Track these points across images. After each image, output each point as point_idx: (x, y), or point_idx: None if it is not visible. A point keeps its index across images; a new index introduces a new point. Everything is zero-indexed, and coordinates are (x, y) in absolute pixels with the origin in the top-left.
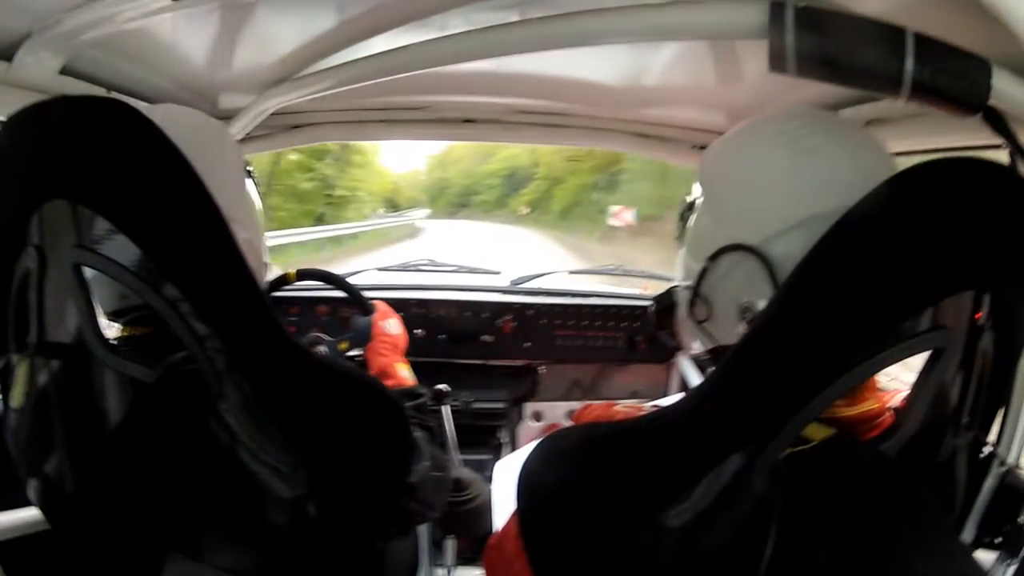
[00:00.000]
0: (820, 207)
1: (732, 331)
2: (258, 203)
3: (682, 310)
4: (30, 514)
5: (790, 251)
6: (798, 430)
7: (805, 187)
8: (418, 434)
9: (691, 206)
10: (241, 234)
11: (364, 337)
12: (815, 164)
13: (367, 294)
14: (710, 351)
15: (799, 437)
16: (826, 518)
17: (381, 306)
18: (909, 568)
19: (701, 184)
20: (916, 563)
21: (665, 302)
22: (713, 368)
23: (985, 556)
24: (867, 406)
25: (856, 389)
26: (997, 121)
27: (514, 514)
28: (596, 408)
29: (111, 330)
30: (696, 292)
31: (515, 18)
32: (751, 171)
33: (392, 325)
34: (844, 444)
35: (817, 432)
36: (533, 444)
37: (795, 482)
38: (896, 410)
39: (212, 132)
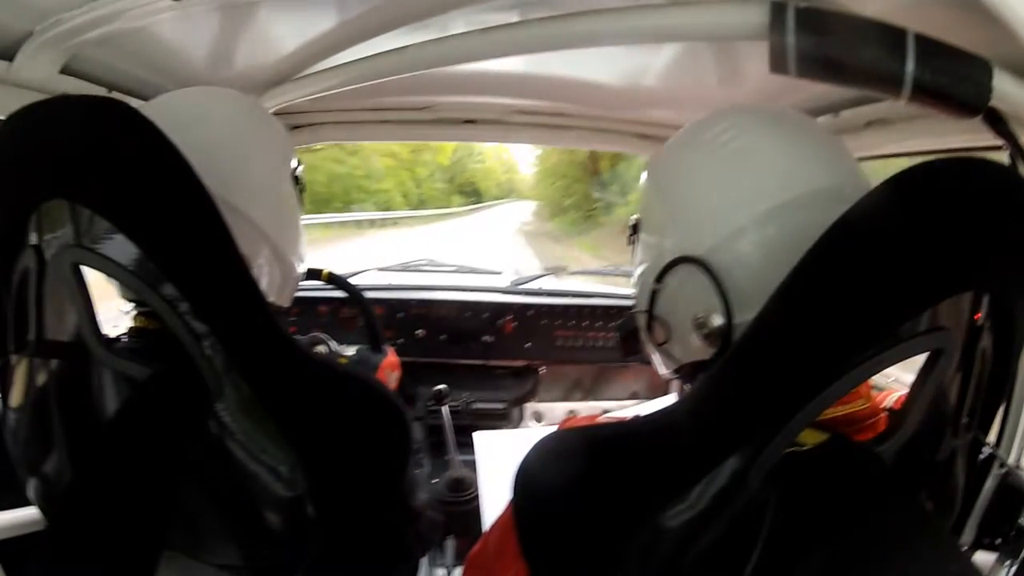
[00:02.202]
0: (758, 207)
1: (692, 348)
2: (296, 200)
3: (643, 335)
4: (30, 514)
5: (737, 256)
6: (796, 432)
7: (738, 192)
8: (417, 471)
9: (635, 229)
10: (265, 229)
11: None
12: (743, 167)
13: (368, 295)
14: (676, 370)
15: (793, 442)
16: (820, 520)
17: (392, 356)
18: (905, 571)
19: (643, 205)
20: (913, 565)
21: (627, 328)
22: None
23: (985, 557)
24: (856, 406)
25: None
26: (998, 122)
27: (505, 519)
28: (579, 420)
29: (126, 319)
30: (651, 315)
31: (515, 19)
32: (684, 186)
33: (393, 378)
34: (840, 446)
35: (810, 437)
36: (520, 430)
37: (790, 484)
38: (892, 411)
39: (254, 121)
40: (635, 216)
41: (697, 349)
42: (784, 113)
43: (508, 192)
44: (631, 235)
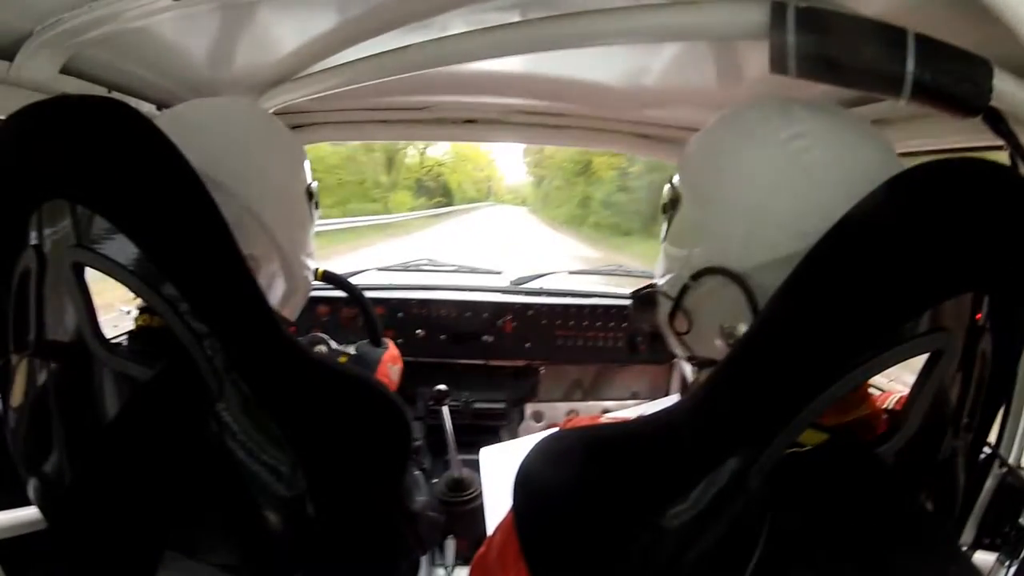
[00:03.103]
0: (812, 234)
1: (712, 348)
2: (308, 214)
3: (662, 316)
4: (30, 514)
5: (778, 281)
6: (797, 433)
7: (803, 212)
8: (416, 473)
9: (673, 203)
10: (278, 239)
11: (367, 371)
12: (818, 187)
13: (368, 295)
14: (689, 359)
15: (794, 442)
16: (821, 521)
17: (393, 349)
18: (905, 571)
19: (682, 182)
20: (913, 566)
21: (646, 296)
22: (708, 370)
23: (985, 557)
24: (858, 413)
25: (847, 397)
26: (998, 122)
27: (507, 522)
28: (581, 420)
29: (126, 319)
30: (677, 305)
31: (515, 18)
32: (739, 186)
33: (395, 371)
34: (841, 447)
35: (811, 437)
36: (525, 438)
37: (790, 485)
38: (892, 412)
39: (268, 132)
40: (675, 183)
41: (716, 350)
42: (861, 124)
43: (487, 194)
44: (665, 208)
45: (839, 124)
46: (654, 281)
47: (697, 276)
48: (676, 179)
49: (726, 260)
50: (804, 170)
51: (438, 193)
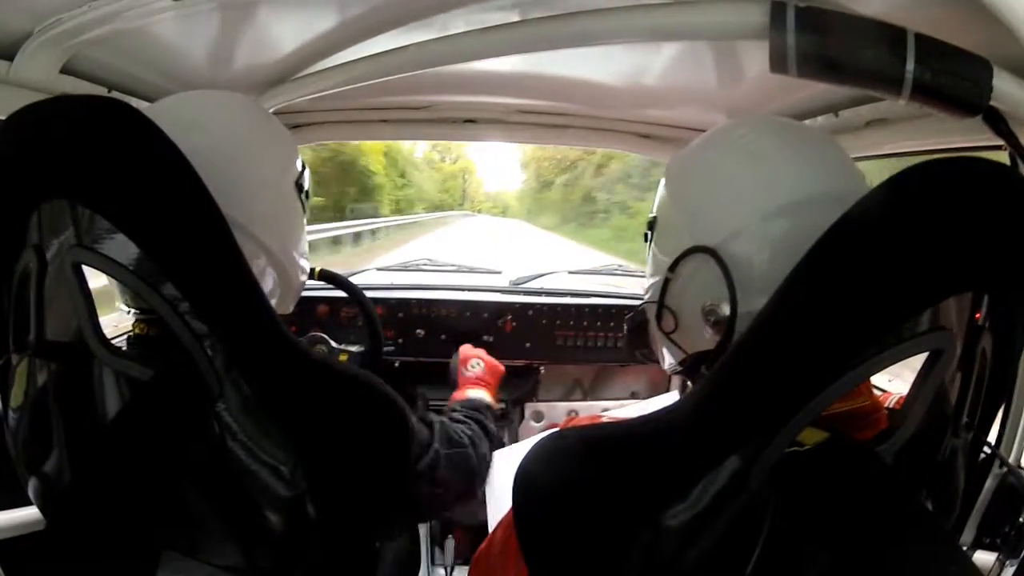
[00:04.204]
0: (769, 205)
1: (700, 337)
2: (299, 208)
3: (652, 325)
4: (30, 514)
5: (747, 249)
6: (796, 432)
7: (751, 189)
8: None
9: (651, 224)
10: (261, 237)
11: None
12: (758, 167)
13: (368, 295)
14: (681, 362)
15: (793, 441)
16: (821, 521)
17: (463, 351)
18: (905, 571)
19: (661, 202)
20: (913, 565)
21: (636, 321)
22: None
23: (985, 557)
24: (860, 402)
25: None
26: (998, 122)
27: (508, 520)
28: (581, 420)
29: (127, 319)
30: (661, 304)
31: (515, 18)
32: (702, 182)
33: (472, 367)
34: (840, 446)
35: (811, 436)
36: (532, 439)
37: (790, 484)
38: (892, 411)
39: (255, 127)
40: (652, 214)
41: (704, 339)
42: (799, 124)
43: (460, 198)
44: (647, 232)
45: (786, 128)
46: (641, 304)
47: (675, 265)
48: (654, 207)
49: (698, 240)
50: (752, 154)
51: (345, 193)
